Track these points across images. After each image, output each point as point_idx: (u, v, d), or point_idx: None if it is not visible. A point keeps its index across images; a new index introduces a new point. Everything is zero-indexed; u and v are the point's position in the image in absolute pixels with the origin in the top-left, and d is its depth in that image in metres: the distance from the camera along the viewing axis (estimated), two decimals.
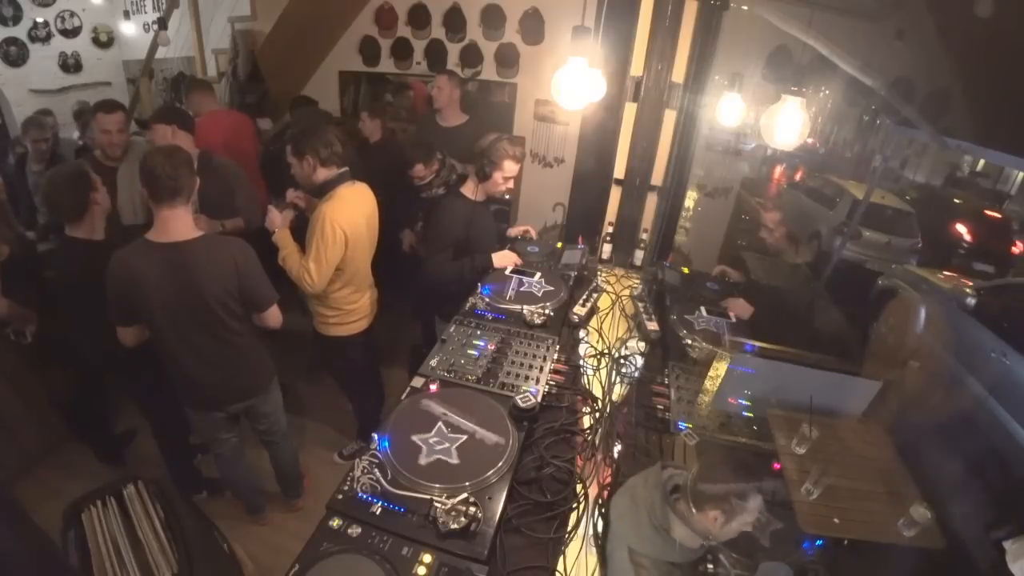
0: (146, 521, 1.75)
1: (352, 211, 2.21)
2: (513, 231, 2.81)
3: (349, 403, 2.95)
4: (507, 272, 2.37)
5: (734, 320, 2.25)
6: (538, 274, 2.38)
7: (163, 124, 2.47)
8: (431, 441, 1.40)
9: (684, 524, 1.21)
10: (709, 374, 1.71)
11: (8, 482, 2.60)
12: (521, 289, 2.27)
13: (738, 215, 4.70)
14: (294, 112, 4.14)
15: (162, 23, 4.43)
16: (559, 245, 2.81)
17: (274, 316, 2.05)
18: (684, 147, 2.93)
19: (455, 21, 4.23)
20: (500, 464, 1.34)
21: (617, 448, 1.59)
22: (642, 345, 2.12)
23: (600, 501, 1.42)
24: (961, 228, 5.50)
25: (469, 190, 2.44)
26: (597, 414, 1.70)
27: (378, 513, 1.21)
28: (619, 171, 2.93)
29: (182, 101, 3.32)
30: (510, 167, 2.34)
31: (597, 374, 1.92)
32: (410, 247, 3.34)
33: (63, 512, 1.74)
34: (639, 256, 2.88)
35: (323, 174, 2.19)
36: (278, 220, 2.26)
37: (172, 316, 1.84)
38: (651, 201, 2.97)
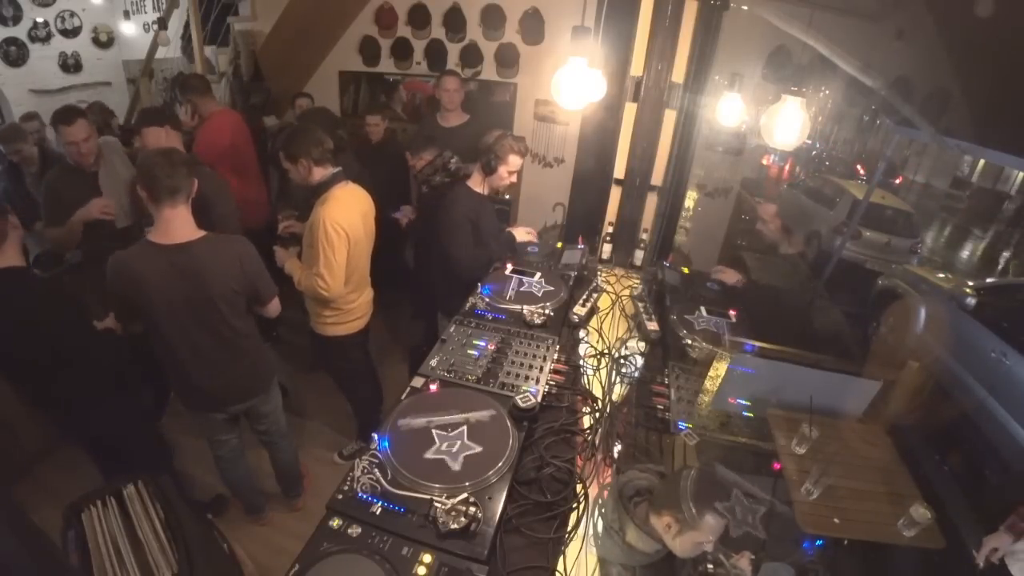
0: (146, 521, 1.75)
1: (349, 210, 2.21)
2: (519, 235, 2.79)
3: (349, 403, 2.95)
4: (507, 272, 2.37)
5: (727, 285, 2.37)
6: (538, 274, 2.38)
7: (155, 127, 2.44)
8: (431, 441, 1.40)
9: (639, 527, 1.21)
10: (709, 374, 1.71)
11: (8, 482, 2.60)
12: (521, 289, 2.27)
13: (738, 215, 4.70)
14: (297, 109, 4.15)
15: (162, 23, 4.44)
16: (559, 245, 2.80)
17: (274, 307, 2.10)
18: (684, 147, 2.93)
19: (455, 21, 4.23)
20: (500, 464, 1.34)
21: (617, 448, 1.59)
22: (642, 345, 2.12)
23: (600, 501, 1.42)
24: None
25: (476, 184, 2.50)
26: (597, 414, 1.70)
27: (378, 513, 1.21)
28: (619, 171, 2.93)
29: (180, 101, 3.29)
30: (515, 161, 2.41)
31: (597, 374, 1.92)
32: (407, 221, 3.46)
33: (63, 512, 1.73)
34: (639, 256, 2.88)
35: (318, 174, 2.19)
36: (284, 256, 2.38)
37: (176, 318, 1.84)
38: (651, 201, 2.97)
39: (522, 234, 2.60)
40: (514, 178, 2.48)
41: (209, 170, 2.63)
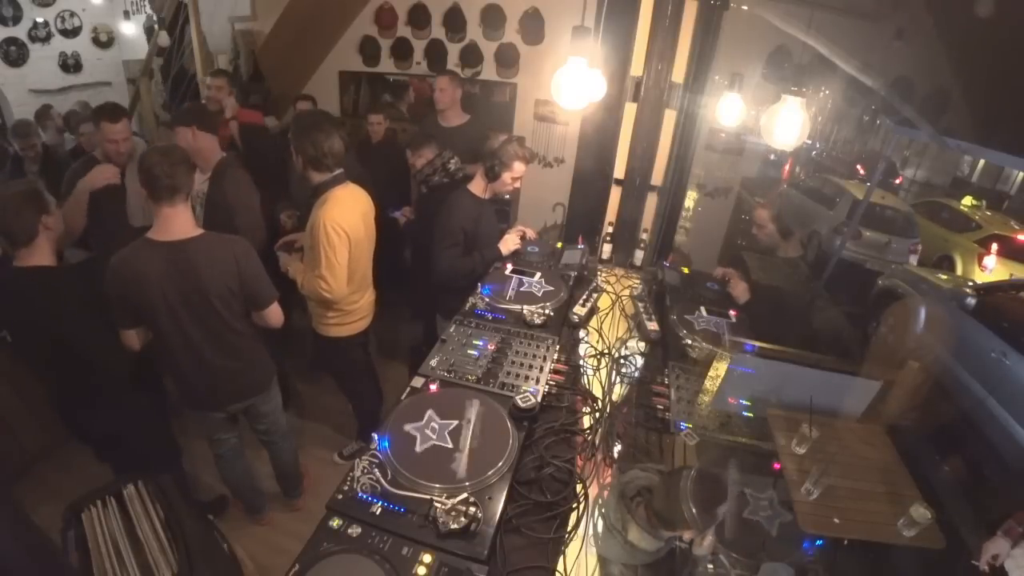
0: (146, 521, 1.75)
1: (348, 211, 2.20)
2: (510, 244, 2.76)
3: (349, 403, 2.95)
4: (507, 272, 2.38)
5: (729, 294, 2.32)
6: (538, 274, 2.38)
7: (182, 127, 2.44)
8: (432, 441, 1.40)
9: (642, 527, 1.21)
10: (709, 374, 1.71)
11: (8, 482, 2.60)
12: (521, 289, 2.27)
13: (738, 215, 4.70)
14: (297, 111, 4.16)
15: (162, 23, 4.44)
16: (559, 245, 2.80)
17: (275, 315, 2.05)
18: (684, 147, 2.93)
19: (455, 21, 4.24)
20: (500, 464, 1.34)
21: (617, 448, 1.59)
22: (642, 345, 2.12)
23: (600, 501, 1.42)
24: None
25: (478, 188, 2.50)
26: (597, 414, 1.70)
27: (378, 513, 1.21)
28: (619, 171, 2.93)
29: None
30: (519, 168, 2.40)
31: (597, 374, 1.92)
32: (405, 220, 3.52)
33: (63, 512, 1.74)
34: (639, 256, 2.88)
35: (315, 177, 2.19)
36: (287, 260, 2.39)
37: (174, 315, 1.84)
38: (651, 201, 2.97)
39: (511, 243, 2.54)
40: (518, 184, 2.47)
41: (241, 175, 2.58)
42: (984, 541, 1.52)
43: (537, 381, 1.69)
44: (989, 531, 1.56)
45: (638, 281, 2.69)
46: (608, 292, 2.51)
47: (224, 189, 2.48)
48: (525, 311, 2.04)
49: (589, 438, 1.61)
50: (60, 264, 1.96)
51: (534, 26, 4.03)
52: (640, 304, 2.27)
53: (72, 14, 5.64)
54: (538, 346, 1.88)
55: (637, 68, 2.69)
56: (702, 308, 2.26)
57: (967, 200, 6.80)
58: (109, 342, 1.92)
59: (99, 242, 2.42)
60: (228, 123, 3.44)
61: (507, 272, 2.37)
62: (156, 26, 4.63)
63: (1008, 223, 5.92)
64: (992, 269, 5.22)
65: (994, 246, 5.39)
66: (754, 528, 1.34)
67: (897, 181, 8.34)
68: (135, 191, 2.50)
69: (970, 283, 4.19)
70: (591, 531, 1.35)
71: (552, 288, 2.29)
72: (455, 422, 1.46)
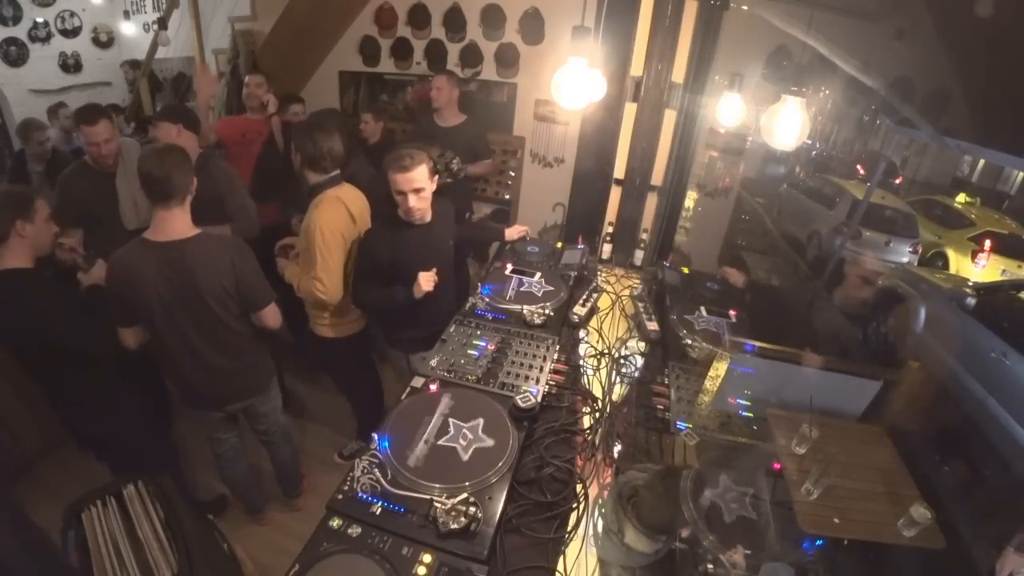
0: (146, 521, 1.75)
1: (343, 212, 2.20)
2: (512, 233, 2.75)
3: (349, 403, 2.95)
4: (507, 272, 2.38)
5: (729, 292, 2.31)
6: (538, 274, 2.38)
7: (168, 123, 2.41)
8: (431, 441, 1.40)
9: (638, 528, 1.21)
10: (709, 374, 1.71)
11: (8, 482, 2.60)
12: (521, 289, 2.27)
13: (738, 215, 4.70)
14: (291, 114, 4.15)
15: (162, 23, 4.43)
16: (559, 245, 2.80)
17: (272, 315, 2.05)
18: (684, 147, 2.93)
19: (455, 21, 4.23)
20: (500, 464, 1.34)
21: (617, 448, 1.59)
22: (642, 345, 2.12)
23: (600, 501, 1.42)
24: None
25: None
26: (597, 414, 1.70)
27: (378, 513, 1.21)
28: (619, 171, 2.93)
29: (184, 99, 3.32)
30: (395, 178, 2.04)
31: (597, 374, 1.92)
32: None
33: (63, 512, 1.74)
34: (639, 256, 2.88)
35: (311, 177, 2.18)
36: (284, 264, 2.39)
37: (170, 315, 1.84)
38: (651, 201, 2.97)
39: (425, 284, 2.09)
40: (414, 201, 2.05)
41: (224, 165, 2.60)
42: (987, 551, 1.51)
43: (537, 381, 1.70)
44: (991, 542, 1.55)
45: (638, 281, 2.69)
46: (608, 292, 2.51)
47: (212, 179, 2.46)
48: (525, 311, 2.04)
49: (589, 438, 1.61)
50: (37, 267, 1.89)
51: (534, 26, 4.03)
52: (640, 304, 2.27)
53: (72, 14, 5.64)
54: (538, 346, 1.89)
55: (637, 68, 2.69)
56: (702, 308, 2.26)
57: (961, 197, 6.89)
58: (92, 343, 1.91)
59: (94, 246, 2.41)
60: (269, 119, 3.43)
61: (507, 272, 2.37)
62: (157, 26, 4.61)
63: (1002, 220, 5.99)
64: (985, 265, 5.32)
65: (987, 243, 5.49)
66: (754, 528, 1.34)
67: (897, 181, 8.35)
68: (127, 193, 2.49)
69: (970, 283, 4.19)
70: (591, 531, 1.35)
71: (552, 288, 2.29)
72: (455, 422, 1.47)
